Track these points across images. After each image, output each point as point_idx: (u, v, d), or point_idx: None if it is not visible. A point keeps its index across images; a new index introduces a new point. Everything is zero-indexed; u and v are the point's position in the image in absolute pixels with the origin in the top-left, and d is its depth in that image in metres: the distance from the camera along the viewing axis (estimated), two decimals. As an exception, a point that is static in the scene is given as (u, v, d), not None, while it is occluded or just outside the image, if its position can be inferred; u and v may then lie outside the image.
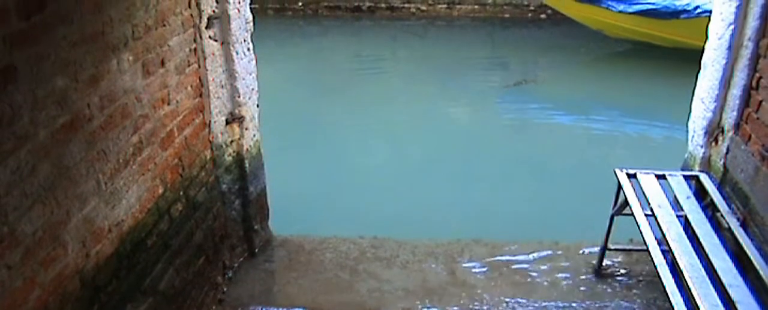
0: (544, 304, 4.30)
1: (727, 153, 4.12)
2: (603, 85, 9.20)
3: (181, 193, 3.69)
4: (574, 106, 8.67)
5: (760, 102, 3.77)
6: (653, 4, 8.83)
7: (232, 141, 4.31)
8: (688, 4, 8.61)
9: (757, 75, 3.83)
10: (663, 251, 3.69)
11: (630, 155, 7.26)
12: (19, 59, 2.30)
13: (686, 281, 3.37)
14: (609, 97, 8.82)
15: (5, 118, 2.27)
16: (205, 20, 3.79)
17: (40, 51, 2.40)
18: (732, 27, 3.96)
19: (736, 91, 4.01)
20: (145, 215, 3.29)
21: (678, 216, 3.94)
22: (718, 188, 4.13)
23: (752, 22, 3.83)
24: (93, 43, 2.74)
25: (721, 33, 4.06)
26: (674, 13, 8.75)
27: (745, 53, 3.91)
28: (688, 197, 4.11)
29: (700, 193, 4.20)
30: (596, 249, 4.61)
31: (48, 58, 2.45)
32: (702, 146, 4.36)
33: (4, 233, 2.30)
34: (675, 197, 4.15)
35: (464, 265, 4.68)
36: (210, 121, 4.01)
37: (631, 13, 9.02)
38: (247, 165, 4.46)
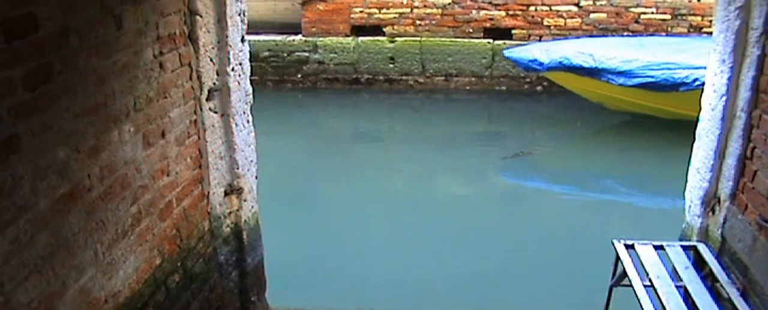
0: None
1: (724, 223, 4.13)
2: (600, 157, 9.25)
3: (179, 264, 3.68)
4: (571, 177, 8.70)
5: (755, 172, 3.80)
6: (653, 77, 8.94)
7: (230, 212, 4.31)
8: (686, 77, 8.72)
9: (751, 145, 3.87)
10: (663, 323, 3.67)
11: (628, 225, 7.24)
12: (22, 130, 2.34)
13: (688, 353, 3.33)
14: (606, 169, 8.85)
15: (6, 188, 2.29)
16: (205, 92, 3.85)
17: (43, 122, 2.44)
18: (724, 98, 4.02)
19: (730, 161, 4.05)
20: (141, 285, 3.27)
21: (677, 287, 3.93)
22: (716, 258, 4.12)
23: (744, 94, 3.89)
24: (95, 114, 2.79)
25: (714, 104, 4.12)
26: (673, 86, 8.85)
27: (739, 124, 3.96)
28: (686, 268, 4.10)
29: (699, 263, 4.19)
30: (596, 321, 4.57)
31: (51, 129, 2.49)
32: (699, 216, 4.36)
33: (-1, 304, 2.29)
34: (674, 267, 4.14)
35: (463, 337, 4.63)
36: (209, 193, 4.03)
37: (631, 86, 9.11)
38: (244, 236, 4.45)
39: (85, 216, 2.76)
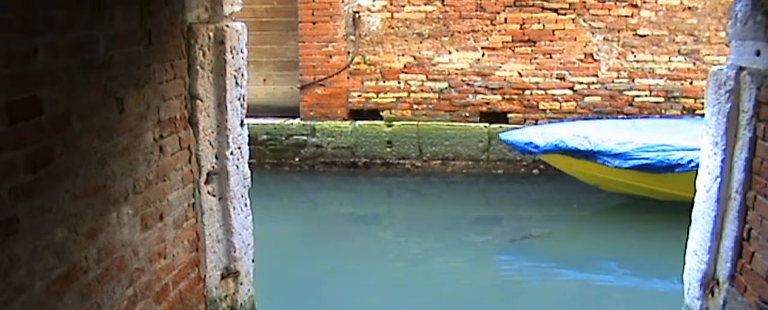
0: None
1: (724, 305, 4.09)
2: (597, 239, 9.21)
3: (174, 348, 3.63)
4: (568, 260, 8.64)
5: (753, 253, 3.79)
6: (648, 159, 8.99)
7: (226, 296, 4.28)
8: (681, 159, 8.76)
9: (747, 226, 3.88)
10: None
11: (626, 308, 7.16)
12: (22, 211, 2.35)
13: None
14: (603, 251, 8.80)
15: (2, 270, 2.28)
16: (204, 176, 3.88)
17: (43, 204, 2.46)
18: (719, 180, 4.05)
19: (728, 243, 4.05)
20: (135, 371, 3.22)
21: (680, 371, 3.87)
22: (718, 342, 4.08)
23: (738, 175, 3.93)
24: (95, 196, 2.81)
25: (709, 186, 4.15)
26: (669, 168, 8.88)
27: (734, 205, 3.97)
28: (688, 351, 4.05)
29: (701, 347, 4.14)
30: None
31: (50, 211, 2.50)
32: (698, 299, 4.33)
33: None
34: (675, 351, 4.09)
35: None
36: (205, 276, 4.00)
37: (626, 168, 9.15)
38: (240, 320, 4.41)
39: (80, 298, 2.74)
